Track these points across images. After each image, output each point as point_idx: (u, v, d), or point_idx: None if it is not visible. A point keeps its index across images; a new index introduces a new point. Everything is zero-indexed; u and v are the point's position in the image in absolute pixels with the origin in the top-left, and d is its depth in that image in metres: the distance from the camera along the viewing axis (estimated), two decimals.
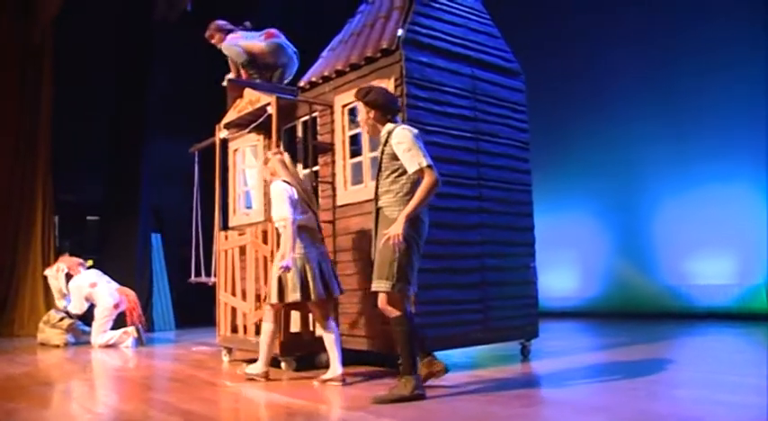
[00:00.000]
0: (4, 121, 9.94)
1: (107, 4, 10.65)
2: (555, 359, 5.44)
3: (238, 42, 5.95)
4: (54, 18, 9.56)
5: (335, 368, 4.45)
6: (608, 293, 9.92)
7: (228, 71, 6.16)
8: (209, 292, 10.51)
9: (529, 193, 5.65)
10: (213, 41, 6.22)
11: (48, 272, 8.36)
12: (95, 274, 7.98)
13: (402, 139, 3.82)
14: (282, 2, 11.66)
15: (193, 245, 7.32)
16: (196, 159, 7.53)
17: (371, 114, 3.99)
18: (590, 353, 5.93)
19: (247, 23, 6.18)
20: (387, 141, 3.90)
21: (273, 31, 5.99)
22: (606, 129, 10.04)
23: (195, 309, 11.12)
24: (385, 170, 3.93)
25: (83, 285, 7.80)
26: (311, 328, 5.12)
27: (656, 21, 9.53)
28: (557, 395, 4.03)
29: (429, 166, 3.78)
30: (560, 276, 10.10)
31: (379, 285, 3.83)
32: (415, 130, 3.92)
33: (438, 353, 4.30)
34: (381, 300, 3.88)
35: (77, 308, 7.88)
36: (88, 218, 10.94)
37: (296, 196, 4.52)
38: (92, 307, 7.96)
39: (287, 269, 4.31)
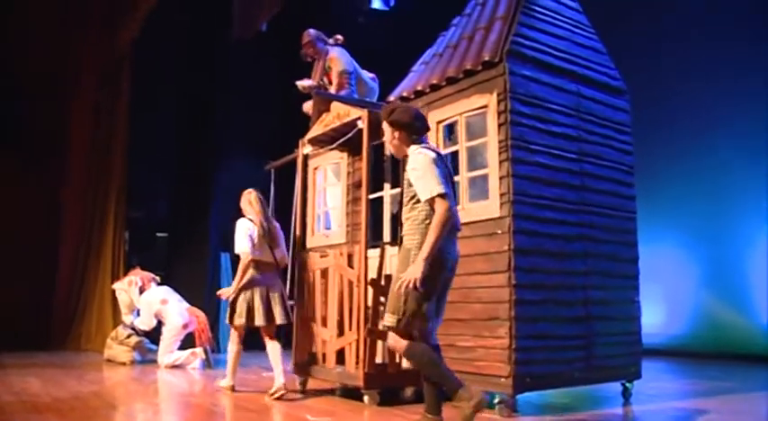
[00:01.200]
0: (82, 138, 10.04)
1: (183, 26, 10.69)
2: (659, 403, 4.96)
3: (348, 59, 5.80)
4: (133, 40, 9.59)
5: (279, 379, 5.06)
6: (696, 331, 9.25)
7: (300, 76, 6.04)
8: None
9: (633, 221, 5.22)
10: (308, 51, 6.02)
11: (117, 285, 8.19)
12: (166, 291, 7.79)
13: (416, 164, 3.53)
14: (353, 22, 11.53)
15: None
16: (272, 178, 7.34)
17: (396, 134, 3.70)
18: (694, 398, 5.39)
19: (339, 38, 5.98)
20: (406, 165, 3.65)
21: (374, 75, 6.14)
22: (695, 156, 9.47)
23: (259, 330, 10.92)
24: (405, 196, 3.65)
25: (153, 301, 7.62)
26: (397, 360, 4.76)
27: (760, 50, 8.96)
28: None
29: (441, 195, 3.46)
30: (644, 311, 9.48)
31: (387, 320, 3.59)
32: (433, 154, 3.59)
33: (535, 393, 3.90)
34: (390, 338, 3.65)
35: (146, 324, 7.70)
36: (158, 234, 10.86)
37: (255, 234, 5.23)
38: (159, 324, 7.79)
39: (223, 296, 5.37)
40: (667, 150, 9.55)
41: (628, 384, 5.03)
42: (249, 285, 5.21)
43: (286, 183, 7.30)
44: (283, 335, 5.72)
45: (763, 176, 8.79)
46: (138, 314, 7.81)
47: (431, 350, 3.56)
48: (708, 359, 8.54)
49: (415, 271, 3.40)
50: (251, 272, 5.21)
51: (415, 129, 3.68)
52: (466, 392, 3.43)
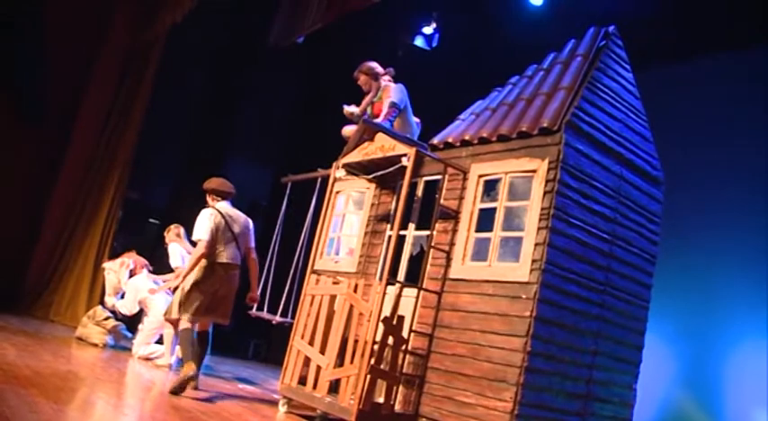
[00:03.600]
0: (97, 111, 9.91)
1: (222, 22, 10.69)
2: None
3: (404, 96, 5.87)
4: (173, 23, 9.54)
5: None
6: None
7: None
8: (249, 326, 10.21)
9: (646, 310, 5.27)
10: (361, 79, 6.04)
11: (108, 264, 7.99)
12: (157, 281, 7.65)
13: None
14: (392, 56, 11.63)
15: (263, 278, 7.02)
16: (287, 191, 7.30)
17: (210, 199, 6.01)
18: None
19: (391, 70, 6.01)
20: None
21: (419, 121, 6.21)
22: (688, 252, 9.59)
23: (230, 338, 10.77)
24: None
25: (141, 288, 7.46)
26: (392, 402, 4.70)
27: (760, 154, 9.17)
28: None
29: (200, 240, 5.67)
30: None
31: None
32: (214, 211, 5.78)
33: None
34: None
35: (128, 308, 7.52)
36: (150, 220, 10.71)
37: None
38: (139, 313, 7.64)
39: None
40: (664, 242, 9.67)
41: None
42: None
43: (294, 198, 7.29)
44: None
45: (755, 282, 8.92)
46: (123, 297, 7.64)
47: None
48: None
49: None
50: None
51: (218, 193, 6.04)
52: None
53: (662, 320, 9.66)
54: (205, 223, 5.72)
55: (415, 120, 6.13)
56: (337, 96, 6.66)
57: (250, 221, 6.16)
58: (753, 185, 9.27)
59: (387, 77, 6.02)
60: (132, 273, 7.70)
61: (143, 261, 7.87)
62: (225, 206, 5.99)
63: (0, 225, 9.71)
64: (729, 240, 9.26)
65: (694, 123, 9.91)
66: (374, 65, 6.07)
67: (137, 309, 7.53)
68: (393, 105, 5.69)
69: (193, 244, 6.11)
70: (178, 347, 6.62)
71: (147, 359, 7.17)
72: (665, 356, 9.56)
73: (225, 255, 5.77)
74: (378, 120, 5.72)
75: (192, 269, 5.67)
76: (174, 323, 5.78)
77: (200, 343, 5.80)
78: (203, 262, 5.70)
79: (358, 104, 6.09)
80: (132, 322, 7.95)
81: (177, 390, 5.16)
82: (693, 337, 9.41)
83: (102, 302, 8.03)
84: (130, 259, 7.81)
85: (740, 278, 9.01)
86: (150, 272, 7.88)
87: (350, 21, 9.70)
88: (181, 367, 6.27)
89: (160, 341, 7.41)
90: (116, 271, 7.75)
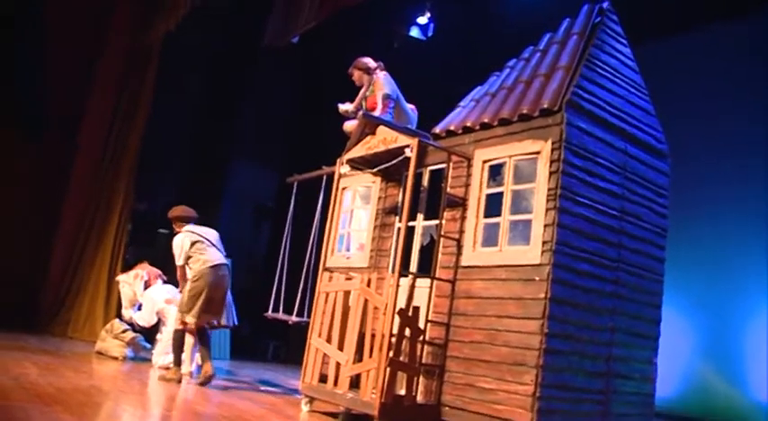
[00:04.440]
0: (100, 125, 9.94)
1: (217, 26, 10.70)
2: None
3: (393, 86, 5.86)
4: (168, 32, 9.55)
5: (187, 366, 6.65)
6: (686, 397, 9.27)
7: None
8: (267, 328, 10.24)
9: (661, 284, 5.25)
10: (354, 74, 6.04)
11: (122, 277, 8.04)
12: (172, 291, 7.68)
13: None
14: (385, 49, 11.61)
15: (276, 279, 7.05)
16: (294, 191, 7.30)
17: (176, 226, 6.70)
18: None
19: (381, 64, 6.00)
20: None
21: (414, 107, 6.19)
22: (699, 224, 9.55)
23: (249, 341, 10.82)
24: None
25: (157, 299, 7.50)
26: (414, 393, 4.71)
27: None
28: None
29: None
30: None
31: None
32: (183, 235, 6.50)
33: None
34: None
35: (146, 320, 7.57)
36: (160, 230, 10.74)
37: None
38: (157, 323, 7.67)
39: None
40: (680, 215, 9.63)
41: None
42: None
43: (301, 198, 7.29)
44: None
45: (765, 251, 8.88)
46: (140, 309, 7.67)
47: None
48: None
49: None
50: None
51: (181, 219, 6.70)
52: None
53: (678, 293, 9.64)
54: (178, 249, 6.53)
55: (410, 107, 6.10)
56: (336, 93, 6.66)
57: (216, 232, 6.92)
58: (760, 153, 9.22)
59: (378, 71, 6.00)
60: (147, 285, 7.73)
61: (157, 271, 7.91)
62: (191, 227, 6.72)
63: (12, 245, 9.79)
64: (739, 210, 9.23)
65: (697, 94, 9.86)
66: (367, 60, 6.06)
67: (155, 321, 7.57)
68: (387, 97, 5.69)
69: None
70: (198, 355, 6.72)
71: (168, 368, 7.19)
72: (684, 329, 9.54)
73: (210, 258, 6.51)
74: (376, 114, 5.72)
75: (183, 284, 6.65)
76: (189, 330, 6.49)
77: (202, 338, 6.56)
78: (197, 273, 6.45)
79: (354, 100, 6.08)
80: (150, 333, 7.99)
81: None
82: (711, 308, 9.39)
83: (119, 315, 8.07)
84: (144, 270, 7.85)
85: (753, 247, 8.99)
86: (165, 282, 7.91)
87: (343, 16, 9.70)
88: (200, 374, 6.36)
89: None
90: (130, 283, 7.78)
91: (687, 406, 9.18)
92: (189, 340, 6.68)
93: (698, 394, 9.16)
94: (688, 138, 9.34)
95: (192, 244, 6.48)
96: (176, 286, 7.83)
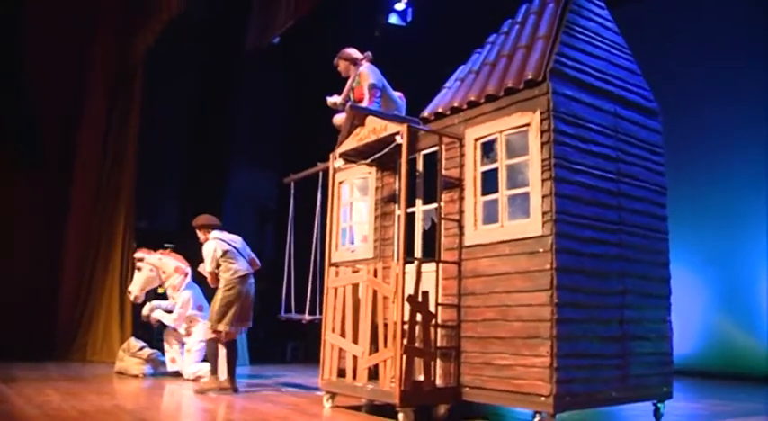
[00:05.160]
0: (93, 147, 9.96)
1: (199, 35, 10.68)
2: None
3: (378, 76, 5.85)
4: (148, 47, 9.55)
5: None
6: (706, 352, 9.28)
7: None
8: (283, 330, 10.28)
9: (666, 242, 5.24)
10: (340, 65, 6.03)
11: (149, 257, 7.77)
12: (200, 296, 7.67)
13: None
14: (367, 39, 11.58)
15: (285, 280, 7.07)
16: (291, 191, 7.31)
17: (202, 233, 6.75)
18: (727, 419, 5.39)
19: (369, 54, 5.99)
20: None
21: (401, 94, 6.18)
22: (706, 179, 9.53)
23: (267, 344, 10.86)
24: None
25: (191, 303, 7.49)
26: (432, 377, 4.73)
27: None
28: None
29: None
30: None
31: None
32: (215, 242, 6.54)
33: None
34: None
35: (175, 322, 7.51)
36: (165, 245, 10.75)
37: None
38: (160, 326, 7.69)
39: None
40: (679, 172, 9.60)
41: (659, 404, 5.01)
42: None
43: (300, 197, 7.30)
44: None
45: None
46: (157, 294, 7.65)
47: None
48: (717, 379, 8.57)
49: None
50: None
51: (208, 226, 6.74)
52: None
53: (686, 250, 9.63)
54: (210, 256, 6.55)
55: (398, 94, 6.10)
56: (324, 88, 6.65)
57: (241, 238, 6.97)
58: (757, 100, 9.17)
59: (365, 62, 5.99)
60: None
61: (185, 265, 7.78)
62: (218, 234, 6.75)
63: (21, 276, 9.84)
64: (738, 159, 9.21)
65: (682, 49, 9.82)
66: (352, 51, 6.06)
67: (183, 327, 7.53)
68: (372, 87, 5.69)
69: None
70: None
71: (198, 378, 7.22)
72: (696, 284, 9.56)
73: (241, 268, 6.57)
74: (364, 104, 5.72)
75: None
76: (219, 337, 6.50)
77: (231, 350, 6.59)
78: (228, 282, 6.49)
79: (341, 93, 6.08)
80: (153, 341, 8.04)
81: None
82: (721, 261, 9.40)
83: (134, 334, 8.09)
84: (172, 258, 7.79)
85: (755, 194, 8.95)
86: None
87: (322, 12, 9.70)
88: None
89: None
90: (156, 266, 7.71)
91: (708, 361, 9.21)
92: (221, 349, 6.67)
93: (717, 348, 9.19)
94: (678, 93, 9.32)
95: (224, 253, 6.54)
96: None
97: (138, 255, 7.91)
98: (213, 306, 6.51)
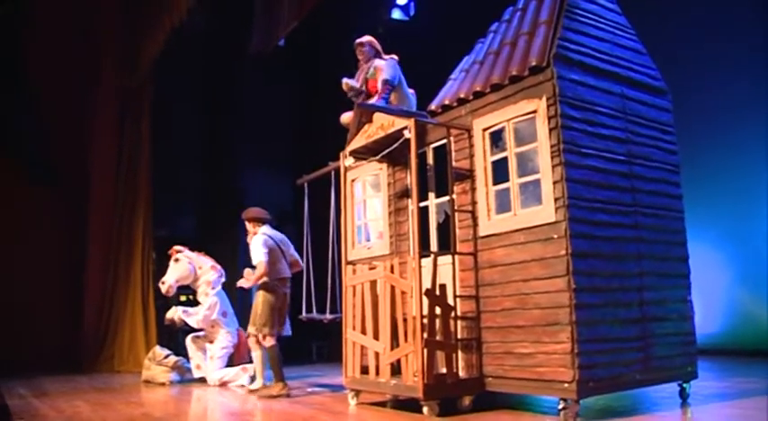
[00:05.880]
0: (107, 161, 10.06)
1: (205, 42, 10.74)
2: (718, 403, 4.92)
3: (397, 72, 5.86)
4: (153, 59, 9.62)
5: (259, 380, 6.68)
6: (732, 330, 9.19)
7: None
8: (307, 330, 10.30)
9: (682, 221, 5.20)
10: (360, 52, 6.06)
11: (186, 252, 7.84)
12: (228, 303, 7.72)
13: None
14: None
15: (304, 280, 7.09)
16: (306, 192, 7.33)
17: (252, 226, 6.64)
18: (754, 397, 5.34)
19: (395, 57, 6.01)
20: None
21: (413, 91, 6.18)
22: (722, 155, 9.42)
23: (292, 344, 10.89)
24: None
25: (218, 307, 7.54)
26: (454, 370, 4.74)
27: None
28: None
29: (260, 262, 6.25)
30: None
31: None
32: (264, 237, 6.38)
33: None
34: None
35: (200, 324, 7.56)
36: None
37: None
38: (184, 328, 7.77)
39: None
40: (696, 150, 9.52)
41: (685, 385, 4.99)
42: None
43: (315, 197, 7.31)
44: None
45: None
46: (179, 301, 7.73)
47: None
48: (744, 357, 8.48)
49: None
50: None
51: (258, 220, 6.65)
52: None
53: (704, 228, 9.55)
54: (261, 248, 6.34)
55: (410, 91, 6.10)
56: (333, 89, 6.66)
57: (286, 237, 6.87)
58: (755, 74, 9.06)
59: (385, 56, 6.00)
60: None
61: (219, 268, 7.82)
62: (268, 229, 6.64)
63: (47, 293, 9.99)
64: (752, 134, 9.10)
65: (687, 28, 9.71)
66: (372, 39, 6.08)
67: (204, 329, 7.59)
68: (386, 82, 5.68)
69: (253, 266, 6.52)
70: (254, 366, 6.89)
71: (223, 384, 7.28)
72: (717, 262, 9.47)
73: (282, 271, 6.52)
74: (372, 101, 5.72)
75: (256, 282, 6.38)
76: (258, 341, 6.49)
77: (274, 354, 6.45)
78: (268, 282, 6.37)
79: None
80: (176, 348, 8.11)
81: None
82: (741, 237, 9.31)
83: (159, 343, 8.17)
84: (208, 259, 7.82)
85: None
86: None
87: (324, 13, 9.72)
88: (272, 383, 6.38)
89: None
90: (193, 260, 7.74)
91: (735, 339, 9.12)
92: (257, 352, 6.68)
93: (743, 325, 9.09)
94: (687, 71, 9.23)
95: (270, 250, 6.40)
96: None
97: (177, 247, 7.92)
98: (255, 309, 6.39)
